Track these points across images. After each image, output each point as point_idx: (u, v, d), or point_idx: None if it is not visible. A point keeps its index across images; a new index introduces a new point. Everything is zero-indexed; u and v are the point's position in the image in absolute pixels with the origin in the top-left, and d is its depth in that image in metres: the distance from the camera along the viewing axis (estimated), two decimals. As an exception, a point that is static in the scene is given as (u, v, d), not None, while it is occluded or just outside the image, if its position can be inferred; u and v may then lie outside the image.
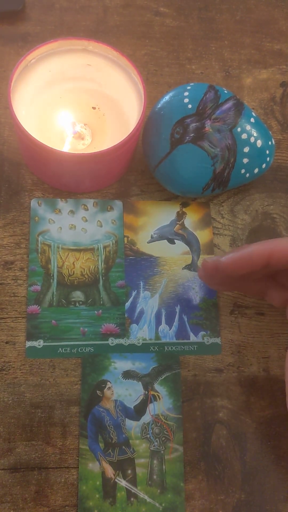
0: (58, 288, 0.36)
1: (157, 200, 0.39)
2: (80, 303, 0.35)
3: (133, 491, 0.31)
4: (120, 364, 0.34)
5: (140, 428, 0.33)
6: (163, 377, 0.34)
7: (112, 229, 0.38)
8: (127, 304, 0.36)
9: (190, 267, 0.37)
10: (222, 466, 0.32)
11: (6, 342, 0.34)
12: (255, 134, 0.35)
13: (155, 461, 0.32)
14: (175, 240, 0.38)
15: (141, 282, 0.36)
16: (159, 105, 0.35)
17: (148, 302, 0.36)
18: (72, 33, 0.44)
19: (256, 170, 0.36)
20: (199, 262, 0.37)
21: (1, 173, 0.38)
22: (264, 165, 0.37)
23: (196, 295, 0.37)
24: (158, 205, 0.39)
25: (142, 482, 0.31)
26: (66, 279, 0.36)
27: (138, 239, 0.38)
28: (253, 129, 0.35)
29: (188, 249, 0.38)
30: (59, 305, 0.35)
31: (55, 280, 0.36)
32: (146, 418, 0.33)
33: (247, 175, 0.36)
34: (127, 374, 0.34)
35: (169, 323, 0.36)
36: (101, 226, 0.38)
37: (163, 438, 0.32)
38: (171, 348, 0.35)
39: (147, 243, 0.38)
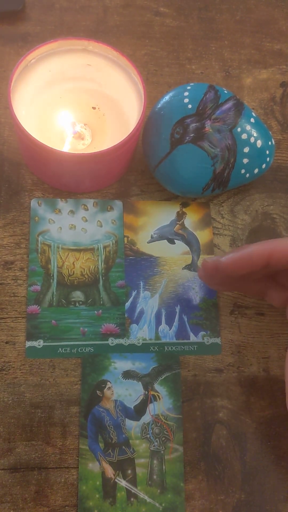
0: (58, 288, 0.36)
1: (157, 200, 0.39)
2: (80, 303, 0.35)
3: (133, 491, 0.31)
4: (120, 364, 0.34)
5: (140, 428, 0.33)
6: (163, 377, 0.34)
7: (112, 229, 0.38)
8: (127, 304, 0.36)
9: (190, 267, 0.37)
10: (222, 466, 0.32)
11: (6, 342, 0.34)
12: (255, 134, 0.35)
13: (155, 461, 0.32)
14: (175, 240, 0.38)
15: (141, 282, 0.36)
16: (159, 105, 0.35)
17: (148, 302, 0.36)
18: (72, 33, 0.44)
19: (256, 170, 0.36)
20: (199, 262, 0.37)
21: (1, 173, 0.38)
22: (264, 165, 0.37)
23: (196, 295, 0.37)
24: (158, 205, 0.39)
25: (142, 482, 0.31)
26: (66, 279, 0.36)
27: (138, 239, 0.38)
28: (253, 129, 0.35)
29: (188, 249, 0.38)
30: (59, 305, 0.35)
31: (55, 280, 0.36)
32: (146, 418, 0.33)
33: (247, 175, 0.36)
34: (127, 374, 0.34)
35: (169, 323, 0.36)
36: (101, 226, 0.38)
37: (163, 438, 0.32)
38: (171, 348, 0.35)
39: (147, 243, 0.38)
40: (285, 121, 0.43)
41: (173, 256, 0.38)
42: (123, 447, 0.32)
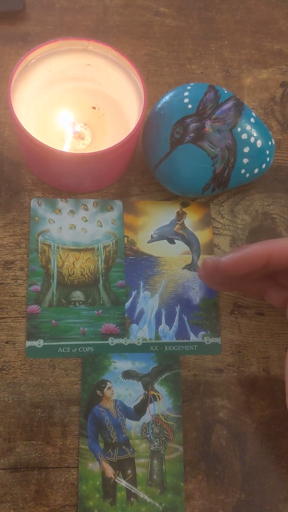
0: (58, 288, 0.36)
1: (157, 200, 0.39)
2: (80, 303, 0.35)
3: (133, 491, 0.31)
4: (120, 364, 0.34)
5: (140, 428, 0.33)
6: (163, 377, 0.34)
7: (112, 229, 0.38)
8: (127, 304, 0.36)
9: (190, 267, 0.37)
10: (222, 466, 0.32)
11: (6, 342, 0.34)
12: (255, 134, 0.35)
13: (155, 461, 0.32)
14: (175, 240, 0.38)
15: (141, 282, 0.36)
16: (159, 105, 0.35)
17: (148, 302, 0.36)
18: (72, 33, 0.44)
19: (256, 170, 0.36)
20: (199, 262, 0.37)
21: (1, 173, 0.38)
22: (264, 165, 0.37)
23: (196, 295, 0.37)
24: (158, 205, 0.39)
25: (142, 482, 0.31)
26: (66, 279, 0.36)
27: (138, 239, 0.38)
28: (253, 129, 0.35)
29: (188, 249, 0.38)
30: (59, 305, 0.35)
31: (55, 280, 0.36)
32: (146, 418, 0.33)
33: (247, 175, 0.36)
34: (127, 374, 0.34)
35: (169, 323, 0.36)
36: (101, 226, 0.38)
37: (163, 438, 0.32)
38: (171, 348, 0.35)
39: (147, 243, 0.38)
40: (285, 121, 0.43)
41: (173, 256, 0.38)
42: (123, 447, 0.32)
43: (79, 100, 0.38)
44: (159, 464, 0.32)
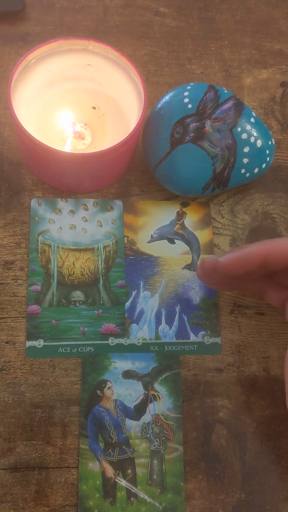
0: (58, 288, 0.36)
1: (157, 200, 0.39)
2: (80, 303, 0.35)
3: (133, 490, 0.31)
4: (120, 364, 0.34)
5: (140, 428, 0.33)
6: (163, 377, 0.34)
7: (112, 229, 0.38)
8: (127, 304, 0.36)
9: (190, 267, 0.37)
10: (222, 466, 0.32)
11: (6, 342, 0.34)
12: (255, 134, 0.35)
13: (155, 461, 0.32)
14: (175, 240, 0.38)
15: (141, 282, 0.36)
16: (159, 105, 0.35)
17: (148, 302, 0.36)
18: (72, 33, 0.44)
19: (256, 170, 0.36)
20: (199, 262, 0.37)
21: (1, 173, 0.38)
22: (264, 165, 0.37)
23: (196, 295, 0.37)
24: (158, 205, 0.39)
25: (142, 482, 0.31)
26: (66, 279, 0.36)
27: (138, 239, 0.38)
28: (253, 129, 0.35)
29: (188, 249, 0.38)
30: (59, 305, 0.35)
31: (55, 280, 0.36)
32: (146, 418, 0.33)
33: (247, 175, 0.36)
34: (127, 374, 0.34)
35: (169, 323, 0.36)
36: (101, 226, 0.38)
37: (163, 438, 0.32)
38: (171, 348, 0.35)
39: (147, 243, 0.38)
40: (285, 121, 0.43)
41: (173, 256, 0.38)
42: (123, 446, 0.32)
43: (79, 100, 0.38)
44: (159, 464, 0.32)
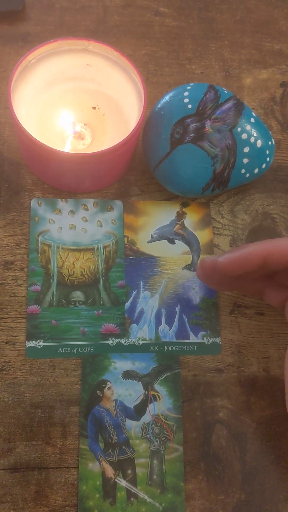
0: (58, 288, 0.36)
1: (157, 200, 0.39)
2: (80, 303, 0.35)
3: (133, 491, 0.31)
4: (120, 364, 0.34)
5: (140, 428, 0.33)
6: (163, 377, 0.34)
7: (112, 229, 0.38)
8: (127, 304, 0.36)
9: (190, 267, 0.37)
10: (222, 466, 0.32)
11: (6, 342, 0.34)
12: (255, 134, 0.35)
13: (155, 461, 0.32)
14: (175, 240, 0.38)
15: (141, 282, 0.36)
16: (159, 105, 0.35)
17: (148, 302, 0.36)
18: (72, 33, 0.44)
19: (256, 170, 0.36)
20: (199, 262, 0.37)
21: (1, 173, 0.38)
22: (264, 165, 0.37)
23: (196, 295, 0.37)
24: (158, 205, 0.39)
25: (142, 482, 0.31)
26: (66, 279, 0.36)
27: (138, 239, 0.38)
28: (253, 129, 0.35)
29: (188, 249, 0.38)
30: (59, 305, 0.35)
31: (55, 280, 0.36)
32: (146, 418, 0.33)
33: (247, 175, 0.36)
34: (127, 374, 0.34)
35: (169, 323, 0.36)
36: (101, 226, 0.38)
37: (163, 438, 0.32)
38: (171, 348, 0.35)
39: (147, 243, 0.38)
40: (285, 121, 0.43)
41: (173, 256, 0.38)
42: (123, 447, 0.32)
43: (79, 100, 0.38)
44: (159, 464, 0.32)
